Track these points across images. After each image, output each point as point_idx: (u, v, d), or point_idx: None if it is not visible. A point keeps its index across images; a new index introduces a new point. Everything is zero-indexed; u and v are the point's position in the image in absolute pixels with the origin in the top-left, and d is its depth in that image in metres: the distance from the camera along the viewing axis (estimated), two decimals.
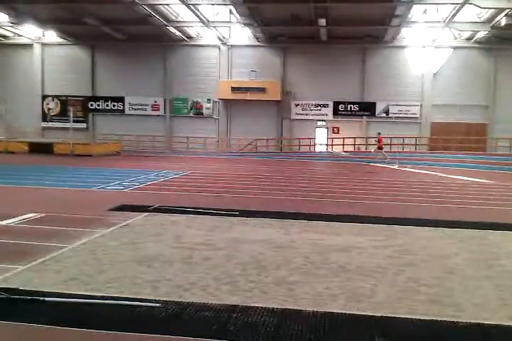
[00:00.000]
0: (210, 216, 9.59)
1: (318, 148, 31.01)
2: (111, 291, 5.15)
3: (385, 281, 5.75)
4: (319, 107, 30.82)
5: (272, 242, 7.54)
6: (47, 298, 4.84)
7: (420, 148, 29.55)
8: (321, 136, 30.94)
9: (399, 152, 27.55)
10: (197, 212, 9.92)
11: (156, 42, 30.91)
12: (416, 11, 24.84)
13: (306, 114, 31.02)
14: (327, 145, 30.59)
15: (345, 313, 4.69)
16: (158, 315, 4.56)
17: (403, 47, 29.49)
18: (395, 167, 22.92)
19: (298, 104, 31.02)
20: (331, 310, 4.75)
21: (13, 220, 8.72)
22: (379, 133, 24.92)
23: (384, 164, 23.76)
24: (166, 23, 26.97)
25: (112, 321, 4.43)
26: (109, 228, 8.22)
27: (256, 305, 4.84)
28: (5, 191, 12.73)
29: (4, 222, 8.53)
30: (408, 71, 29.73)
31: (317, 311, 4.72)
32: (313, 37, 28.41)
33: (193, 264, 6.28)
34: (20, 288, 5.12)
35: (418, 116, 29.89)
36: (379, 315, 4.67)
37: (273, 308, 4.76)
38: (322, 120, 30.90)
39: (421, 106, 29.76)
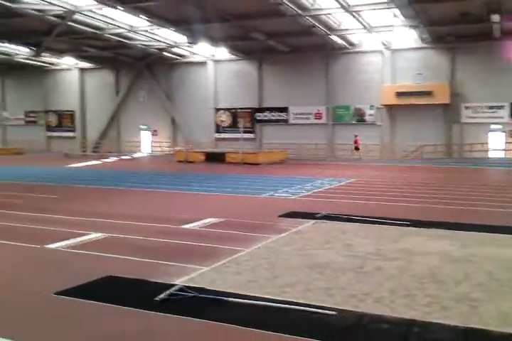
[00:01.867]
0: (379, 225, 9.41)
1: (492, 154, 28.55)
2: (286, 296, 5.34)
3: None
4: (494, 109, 28.38)
5: (448, 255, 7.13)
6: (230, 299, 5.20)
7: None
8: (495, 140, 28.44)
9: None
10: (365, 220, 9.82)
11: (318, 51, 31.42)
12: None
13: (478, 117, 28.82)
14: (505, 150, 27.99)
15: None
16: (334, 323, 4.60)
17: None
18: None
19: (468, 107, 28.94)
20: None
21: (196, 224, 9.55)
22: (356, 136, 29.38)
23: None
24: (329, 32, 27.25)
25: (289, 325, 4.59)
26: (280, 234, 8.54)
27: (436, 321, 4.62)
28: (188, 197, 13.99)
29: (189, 226, 9.38)
30: None
31: (506, 332, 4.35)
32: (484, 34, 26.35)
33: (366, 274, 6.22)
34: (206, 288, 5.57)
35: None
36: None
37: (455, 326, 4.50)
38: (497, 123, 28.41)
39: None
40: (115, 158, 32.21)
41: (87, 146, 39.34)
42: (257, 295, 5.34)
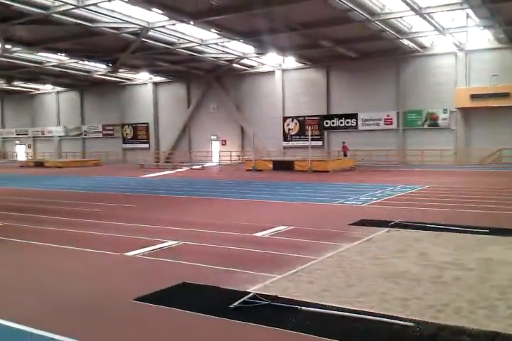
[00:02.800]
0: (455, 233, 9.06)
1: None
2: (361, 305, 5.25)
3: None
4: None
5: None
6: (303, 307, 5.19)
7: None
8: None
9: None
10: (441, 228, 9.48)
11: (387, 56, 30.89)
12: None
13: None
14: None
15: None
16: (412, 334, 4.47)
17: None
18: None
19: None
20: None
21: (267, 232, 9.62)
22: (343, 142, 31.49)
23: None
24: (399, 36, 26.72)
25: (365, 335, 4.51)
26: (352, 242, 8.42)
27: None
28: (258, 205, 14.14)
29: (260, 234, 9.47)
30: None
31: None
32: None
33: (443, 284, 6.00)
34: (279, 296, 5.59)
35: None
36: None
37: None
38: None
39: None
40: (187, 168, 33.12)
41: (160, 157, 40.72)
42: (331, 304, 5.30)
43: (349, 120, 33.35)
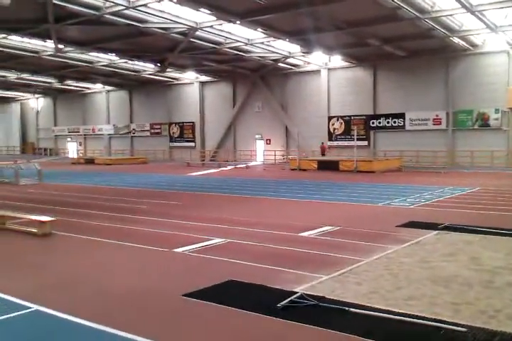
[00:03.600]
0: (508, 237, 8.78)
1: None
2: (410, 309, 5.17)
3: None
4: None
5: None
6: (351, 309, 5.16)
7: None
8: None
9: None
10: (493, 232, 9.20)
11: (437, 54, 30.14)
12: None
13: None
14: None
15: None
16: (464, 340, 4.38)
17: None
18: None
19: None
20: None
21: (313, 232, 9.60)
22: (322, 143, 33.71)
23: None
24: (449, 34, 26.02)
25: (414, 339, 4.45)
26: (400, 244, 8.29)
27: None
28: (303, 205, 14.12)
29: (306, 234, 9.46)
30: None
31: None
32: None
33: (496, 289, 5.84)
34: (326, 297, 5.58)
35: None
36: None
37: None
38: None
39: None
40: (231, 167, 33.37)
41: (205, 156, 41.22)
42: (379, 306, 5.25)
43: (396, 120, 32.75)
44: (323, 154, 33.37)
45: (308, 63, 35.41)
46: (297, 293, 5.66)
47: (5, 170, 23.50)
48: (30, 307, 5.41)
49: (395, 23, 23.60)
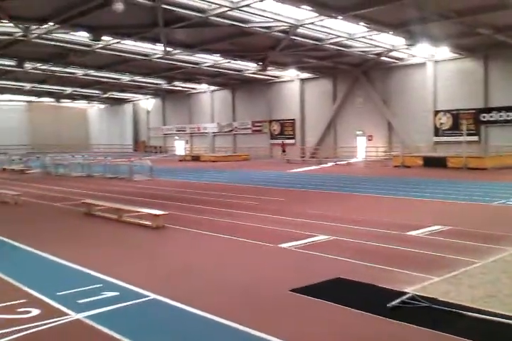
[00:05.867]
0: None
1: None
2: None
3: None
4: None
5: None
6: (467, 312, 4.94)
7: None
8: None
9: None
10: None
11: None
12: None
13: None
14: None
15: None
16: None
17: None
18: None
19: None
20: None
21: (421, 231, 9.30)
22: (283, 141, 39.51)
23: None
24: None
25: None
26: None
27: None
28: (409, 203, 13.69)
29: (414, 233, 9.18)
30: None
31: None
32: None
33: None
34: (439, 299, 5.38)
35: None
36: None
37: None
38: None
39: None
40: (332, 164, 33.11)
41: (305, 152, 41.23)
42: (496, 311, 4.98)
43: (510, 113, 30.53)
44: (283, 151, 39.10)
45: (413, 56, 34.08)
46: (408, 293, 5.52)
47: (120, 167, 25.26)
48: (148, 296, 5.78)
49: (509, 10, 21.99)
